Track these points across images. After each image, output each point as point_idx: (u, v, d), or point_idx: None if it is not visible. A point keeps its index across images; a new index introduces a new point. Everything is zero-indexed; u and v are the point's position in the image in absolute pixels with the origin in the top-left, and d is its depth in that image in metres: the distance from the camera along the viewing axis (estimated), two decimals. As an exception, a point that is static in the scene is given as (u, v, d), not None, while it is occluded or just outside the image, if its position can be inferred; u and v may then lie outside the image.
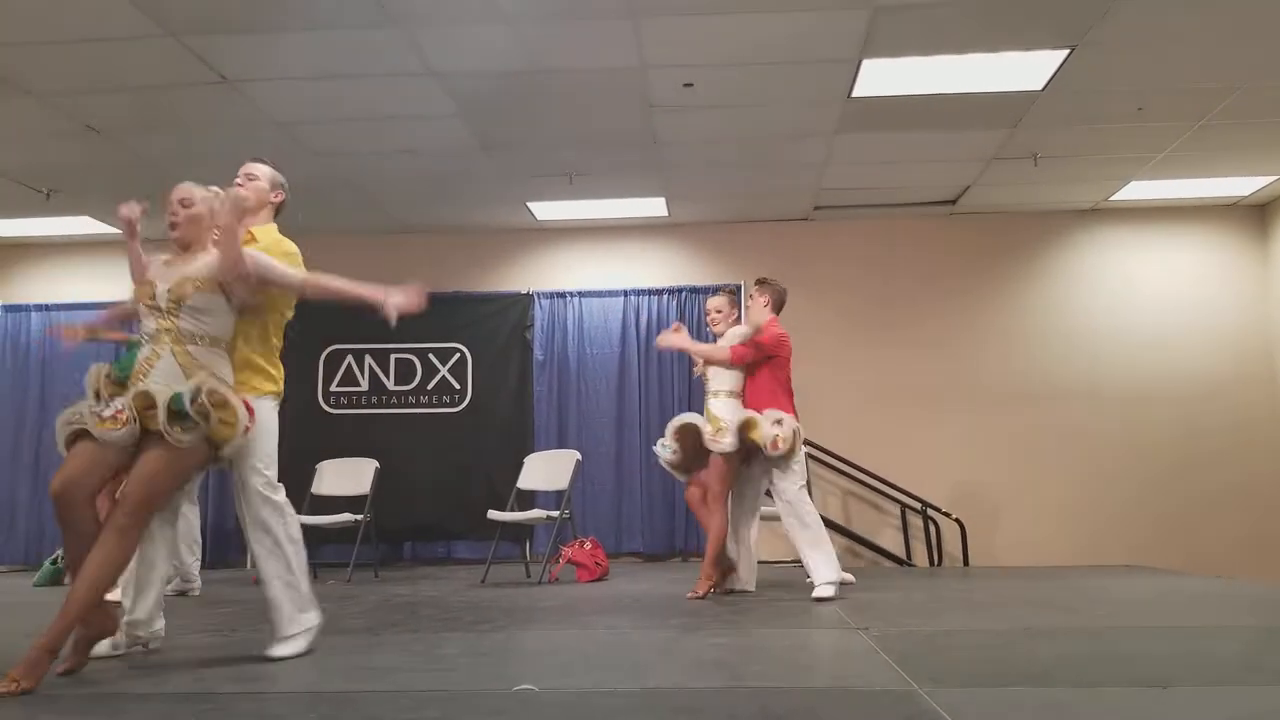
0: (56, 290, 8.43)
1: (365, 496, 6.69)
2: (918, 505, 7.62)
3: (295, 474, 6.97)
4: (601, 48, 5.16)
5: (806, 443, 6.11)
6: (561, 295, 8.20)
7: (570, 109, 5.95)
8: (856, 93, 5.73)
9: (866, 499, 7.84)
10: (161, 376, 2.99)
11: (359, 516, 6.55)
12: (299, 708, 2.47)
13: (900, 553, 7.67)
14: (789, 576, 6.39)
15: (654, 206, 7.86)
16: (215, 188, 3.34)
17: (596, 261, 8.37)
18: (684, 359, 7.99)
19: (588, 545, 6.38)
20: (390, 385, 8.01)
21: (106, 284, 8.36)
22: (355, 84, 5.54)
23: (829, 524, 7.47)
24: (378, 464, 6.85)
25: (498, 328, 8.09)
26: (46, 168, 6.75)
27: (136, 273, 3.30)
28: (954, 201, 7.84)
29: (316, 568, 6.95)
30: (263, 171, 3.61)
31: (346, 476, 6.91)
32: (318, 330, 8.03)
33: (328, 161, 6.73)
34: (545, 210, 7.91)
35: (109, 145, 6.37)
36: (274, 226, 3.57)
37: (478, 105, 5.87)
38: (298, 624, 3.25)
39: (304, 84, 5.54)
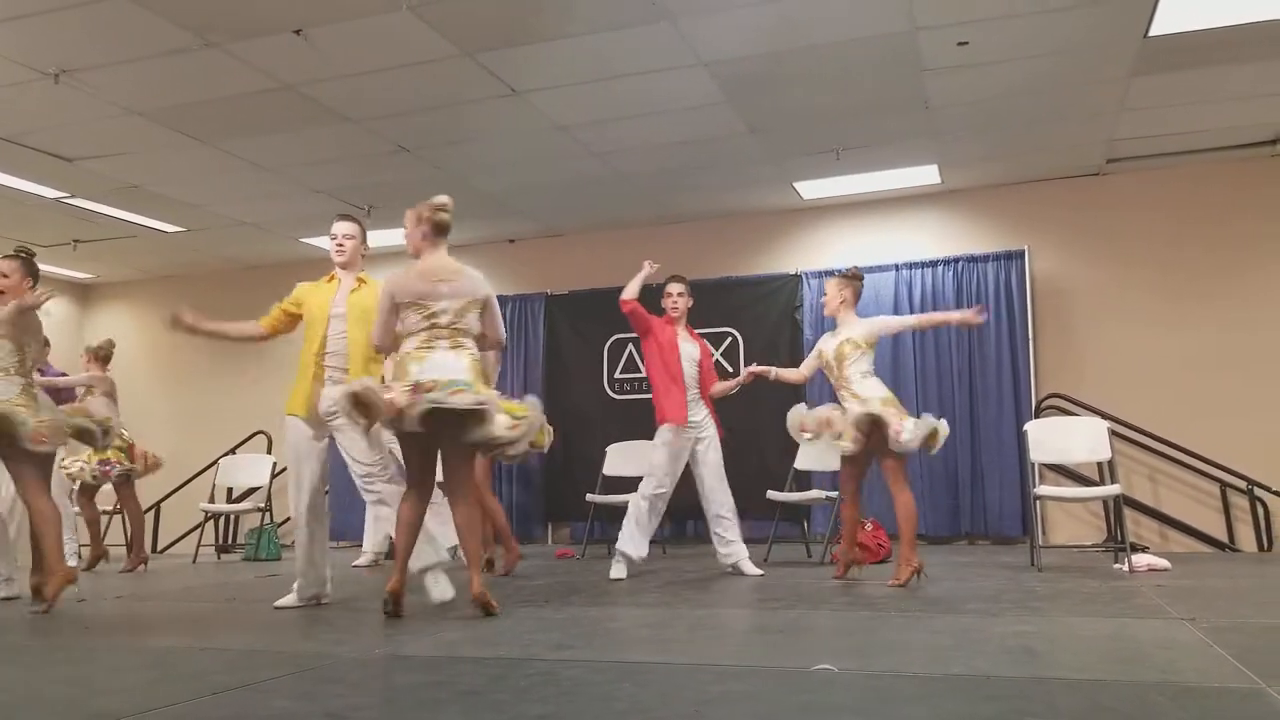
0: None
1: (649, 477, 6.97)
2: (1242, 484, 6.83)
3: (586, 456, 7.53)
4: (868, 15, 5.04)
5: (1109, 417, 5.64)
6: (830, 273, 8.07)
7: (837, 83, 5.85)
8: (1155, 31, 5.21)
9: (1179, 477, 7.13)
10: None
11: (645, 496, 6.83)
12: (610, 676, 2.63)
13: (1221, 536, 6.92)
14: (1093, 562, 5.98)
15: (925, 175, 7.56)
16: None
17: (865, 237, 8.18)
18: (960, 331, 7.66)
19: (869, 527, 6.28)
20: (667, 370, 8.28)
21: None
22: (628, 82, 5.77)
23: (1134, 504, 6.92)
24: (660, 446, 7.10)
25: (767, 310, 8.13)
26: (366, 186, 7.59)
27: None
28: (1275, 142, 6.92)
29: (610, 544, 7.42)
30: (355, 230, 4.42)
31: (633, 459, 7.24)
32: (602, 322, 8.49)
33: (603, 159, 7.06)
34: (811, 189, 7.84)
35: (418, 162, 7.06)
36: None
37: (745, 89, 5.92)
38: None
39: (582, 88, 5.84)
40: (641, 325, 5.48)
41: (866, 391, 4.96)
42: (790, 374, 5.47)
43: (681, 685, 2.52)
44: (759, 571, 5.34)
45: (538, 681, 2.57)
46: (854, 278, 5.35)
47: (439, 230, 4.03)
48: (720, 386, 5.62)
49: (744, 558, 5.39)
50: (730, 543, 5.40)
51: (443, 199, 4.06)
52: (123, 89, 5.71)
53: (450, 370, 3.80)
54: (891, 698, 2.35)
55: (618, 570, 5.32)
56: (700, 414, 5.47)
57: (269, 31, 5.06)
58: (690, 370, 5.47)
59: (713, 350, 5.64)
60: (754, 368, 5.48)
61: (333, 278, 4.43)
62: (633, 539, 5.35)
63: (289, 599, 4.31)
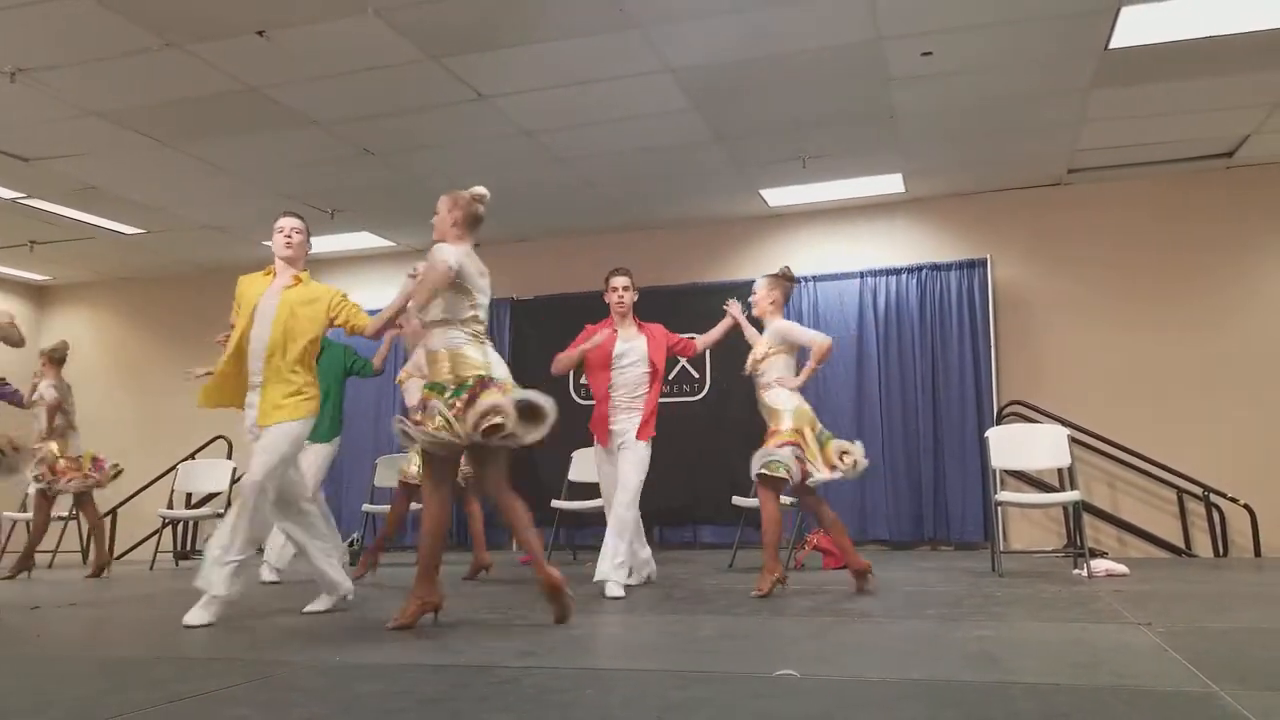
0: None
1: (615, 483, 6.94)
2: (1198, 490, 6.96)
3: (551, 462, 7.49)
4: (834, 24, 5.08)
5: (1069, 424, 5.69)
6: (795, 280, 8.12)
7: (803, 91, 5.89)
8: (1115, 44, 5.30)
9: (1137, 484, 7.25)
10: None
11: (610, 502, 6.80)
12: (575, 683, 2.62)
13: (1178, 542, 7.04)
14: (1053, 567, 6.05)
15: (890, 183, 7.64)
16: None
17: (831, 244, 8.24)
18: (924, 338, 7.74)
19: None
20: (633, 376, 8.27)
21: (385, 291, 9.21)
22: (595, 88, 5.77)
23: (1093, 510, 7.01)
24: (626, 452, 7.08)
25: (734, 316, 8.14)
26: (330, 189, 7.52)
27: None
28: (1231, 154, 7.07)
29: (575, 550, 7.39)
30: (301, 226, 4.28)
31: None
32: (567, 327, 8.42)
33: (570, 165, 7.05)
34: (777, 196, 7.89)
35: (382, 166, 7.01)
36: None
37: (711, 97, 5.94)
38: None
39: (549, 93, 5.83)
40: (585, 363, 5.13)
41: (777, 402, 4.75)
42: (707, 336, 5.30)
43: (644, 691, 2.52)
44: (620, 594, 4.65)
45: (499, 689, 2.55)
46: (785, 278, 5.00)
47: (472, 222, 3.89)
48: (706, 339, 5.35)
49: (610, 578, 4.68)
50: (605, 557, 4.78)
51: (481, 190, 3.92)
52: (82, 89, 5.61)
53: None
54: (853, 703, 2.35)
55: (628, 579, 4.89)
56: (622, 421, 5.15)
57: (231, 33, 5.00)
58: (631, 371, 5.11)
59: (666, 332, 5.30)
60: (734, 308, 5.21)
61: (270, 271, 4.33)
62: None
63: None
